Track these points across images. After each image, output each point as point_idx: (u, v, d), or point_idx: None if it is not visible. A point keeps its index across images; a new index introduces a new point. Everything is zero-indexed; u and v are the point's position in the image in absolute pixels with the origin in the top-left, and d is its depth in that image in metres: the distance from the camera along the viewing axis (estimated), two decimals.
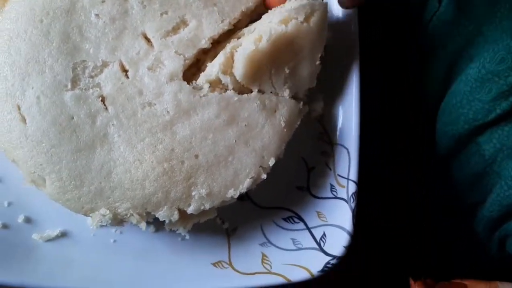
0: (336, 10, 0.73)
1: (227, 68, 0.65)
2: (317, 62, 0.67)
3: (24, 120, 0.62)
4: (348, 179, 0.70)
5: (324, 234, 0.70)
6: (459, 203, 0.82)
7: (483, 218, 0.78)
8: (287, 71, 0.66)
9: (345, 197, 0.70)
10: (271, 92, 0.66)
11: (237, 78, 0.65)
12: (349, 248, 0.67)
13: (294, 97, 0.70)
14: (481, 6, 0.70)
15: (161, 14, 0.65)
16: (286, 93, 0.67)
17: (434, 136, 0.81)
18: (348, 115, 0.72)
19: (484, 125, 0.72)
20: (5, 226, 0.69)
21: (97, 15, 0.64)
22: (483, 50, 0.70)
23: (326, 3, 0.66)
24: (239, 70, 0.64)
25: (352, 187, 0.69)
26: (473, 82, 0.71)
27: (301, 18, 0.63)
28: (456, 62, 0.76)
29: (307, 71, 0.67)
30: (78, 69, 0.63)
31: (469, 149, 0.76)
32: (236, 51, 0.65)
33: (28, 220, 0.70)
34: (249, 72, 0.64)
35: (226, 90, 0.65)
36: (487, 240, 0.80)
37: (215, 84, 0.66)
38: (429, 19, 0.78)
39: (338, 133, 0.73)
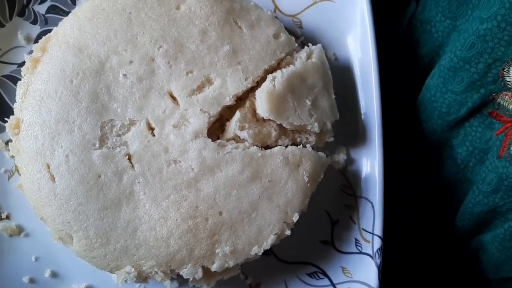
0: (354, 57, 0.75)
1: (244, 124, 0.66)
2: (333, 96, 0.70)
3: (53, 178, 0.64)
4: (373, 233, 0.69)
5: None
6: (435, 213, 0.80)
7: (456, 229, 0.75)
8: (308, 103, 0.68)
9: (370, 252, 0.69)
10: (300, 125, 0.67)
11: (263, 115, 0.66)
12: None
13: (317, 148, 0.70)
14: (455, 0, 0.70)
15: (187, 73, 0.67)
16: (315, 126, 0.67)
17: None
18: (371, 166, 0.72)
19: (457, 121, 0.72)
20: (32, 281, 0.70)
21: (125, 75, 0.66)
22: (456, 41, 0.70)
23: (320, 44, 0.72)
24: (263, 107, 0.66)
25: (377, 243, 0.69)
26: (446, 72, 0.70)
27: (304, 58, 0.69)
28: (433, 60, 0.76)
29: (327, 103, 0.69)
30: (106, 128, 0.65)
31: (443, 153, 0.75)
32: (255, 98, 0.67)
33: (54, 274, 0.71)
34: (272, 107, 0.66)
35: (251, 144, 0.66)
36: (463, 254, 0.77)
37: (238, 140, 0.67)
38: (407, 21, 0.78)
39: (362, 185, 0.73)
